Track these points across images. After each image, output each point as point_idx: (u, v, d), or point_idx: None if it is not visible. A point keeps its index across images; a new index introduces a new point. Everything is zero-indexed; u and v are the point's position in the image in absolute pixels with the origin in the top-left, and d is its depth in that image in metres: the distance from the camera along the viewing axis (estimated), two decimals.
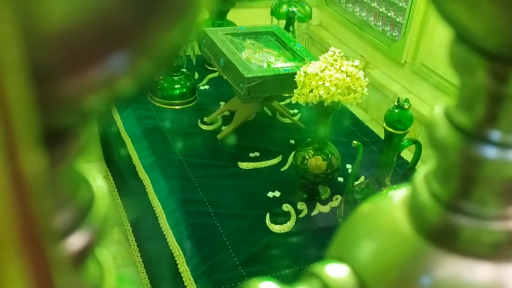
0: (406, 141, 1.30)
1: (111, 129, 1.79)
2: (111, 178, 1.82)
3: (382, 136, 1.41)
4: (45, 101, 0.10)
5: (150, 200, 1.43)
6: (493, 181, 0.20)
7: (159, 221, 1.36)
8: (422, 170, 0.22)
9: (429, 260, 0.20)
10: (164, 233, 1.33)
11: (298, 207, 1.41)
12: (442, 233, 0.20)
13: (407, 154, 1.59)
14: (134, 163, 1.56)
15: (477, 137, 0.19)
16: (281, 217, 1.37)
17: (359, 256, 0.21)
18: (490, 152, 0.19)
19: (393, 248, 0.21)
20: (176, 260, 1.27)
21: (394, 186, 0.23)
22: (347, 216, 0.25)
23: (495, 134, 0.19)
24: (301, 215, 1.39)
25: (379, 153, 1.57)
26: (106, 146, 1.89)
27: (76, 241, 0.14)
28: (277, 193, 1.45)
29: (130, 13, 0.10)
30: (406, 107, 1.27)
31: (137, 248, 1.57)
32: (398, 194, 0.22)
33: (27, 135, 0.09)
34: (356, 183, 1.37)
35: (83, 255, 0.14)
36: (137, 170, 1.53)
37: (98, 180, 0.15)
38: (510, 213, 0.21)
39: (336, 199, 1.46)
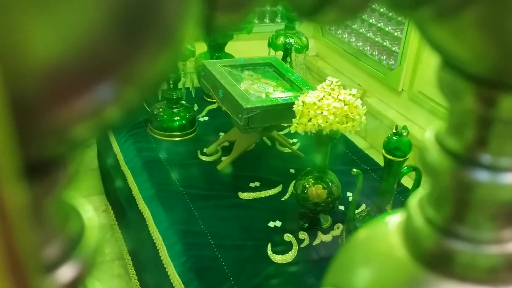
0: (405, 168, 1.30)
1: (111, 162, 1.80)
2: (112, 211, 1.81)
3: (382, 164, 1.41)
4: (32, 132, 0.10)
5: (150, 232, 1.42)
6: (486, 205, 0.20)
7: (160, 254, 1.35)
8: (416, 195, 0.22)
9: (425, 286, 0.20)
10: (165, 266, 1.32)
11: (299, 237, 1.40)
12: (437, 258, 0.20)
13: (407, 181, 1.59)
14: (134, 195, 1.56)
15: (468, 161, 0.19)
16: (283, 247, 1.36)
17: (356, 283, 0.21)
18: (482, 176, 0.19)
19: (389, 274, 0.21)
20: None
21: (389, 212, 0.23)
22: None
23: (486, 158, 0.19)
24: (302, 245, 1.38)
25: (379, 180, 1.57)
26: (106, 179, 1.89)
27: (66, 272, 0.14)
28: (278, 223, 1.44)
29: (115, 44, 0.10)
30: (404, 134, 1.27)
31: (138, 282, 1.55)
32: (393, 220, 0.22)
33: (9, 169, 0.09)
34: (357, 211, 1.36)
35: (74, 286, 0.14)
36: (137, 203, 1.53)
37: (89, 212, 0.15)
38: (505, 236, 0.21)
39: (338, 227, 1.45)
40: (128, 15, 0.10)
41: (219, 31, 0.13)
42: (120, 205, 1.70)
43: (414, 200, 0.22)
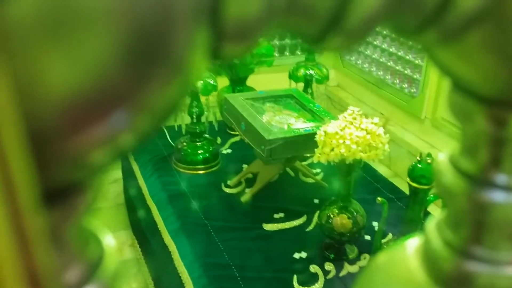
0: (432, 196, 1.28)
1: (136, 196, 1.81)
2: (138, 246, 1.82)
3: (407, 192, 1.39)
4: (51, 159, 0.11)
5: (176, 266, 1.42)
6: (503, 225, 0.20)
7: (185, 287, 1.35)
8: (434, 218, 0.22)
9: None
10: None
11: (325, 268, 1.38)
12: (457, 281, 0.20)
13: (434, 209, 1.56)
14: (159, 228, 1.56)
15: (483, 182, 0.19)
16: (309, 279, 1.34)
17: None
18: (497, 196, 0.19)
19: None
20: None
21: (408, 236, 0.23)
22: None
23: (501, 178, 0.19)
24: (329, 276, 1.36)
25: (405, 209, 1.55)
26: (132, 214, 1.90)
27: None
28: (303, 254, 1.42)
29: (126, 76, 0.11)
30: (429, 161, 1.26)
31: None
32: (412, 244, 0.22)
33: (29, 195, 0.09)
34: (383, 240, 1.34)
35: None
36: (163, 236, 1.53)
37: (108, 238, 0.16)
38: None
39: (364, 258, 1.43)
40: (138, 49, 0.11)
41: (226, 59, 0.13)
42: (146, 239, 1.71)
43: (432, 223, 0.22)
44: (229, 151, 1.94)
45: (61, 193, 0.12)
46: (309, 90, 1.97)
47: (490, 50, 0.15)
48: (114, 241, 0.16)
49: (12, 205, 0.09)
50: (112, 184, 2.18)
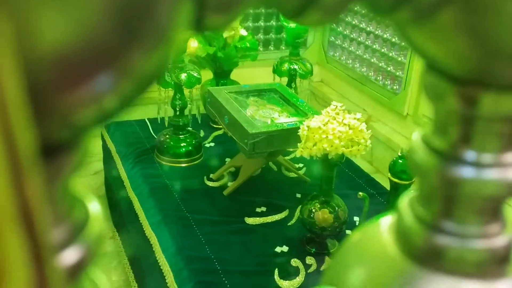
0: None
1: (118, 189, 1.80)
2: (118, 238, 1.81)
3: (388, 188, 1.41)
4: (42, 115, 0.11)
5: (157, 258, 1.42)
6: (472, 200, 0.21)
7: (167, 280, 1.35)
8: (407, 196, 0.23)
9: (416, 282, 0.21)
10: None
11: (307, 262, 1.39)
12: (428, 254, 0.21)
13: None
14: (141, 221, 1.56)
15: (453, 159, 0.20)
16: (290, 273, 1.35)
17: (350, 282, 0.22)
18: (466, 172, 0.20)
19: (382, 272, 0.21)
20: None
21: (382, 214, 0.24)
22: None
23: (470, 155, 0.20)
24: (310, 270, 1.37)
25: (386, 204, 1.57)
26: (114, 207, 1.90)
27: (70, 255, 0.15)
28: (285, 248, 1.44)
29: (113, 38, 0.12)
30: None
31: None
32: (386, 221, 0.23)
33: (29, 153, 0.10)
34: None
35: (77, 270, 0.15)
36: (144, 229, 1.53)
37: (94, 204, 0.16)
38: (491, 231, 0.22)
39: None
40: (125, 14, 0.11)
41: (209, 31, 0.14)
42: (127, 232, 1.71)
43: (404, 201, 0.23)
44: (212, 144, 1.94)
45: (48, 152, 0.13)
46: (293, 85, 1.97)
47: (461, 30, 0.16)
48: (99, 207, 0.16)
49: (13, 158, 0.09)
50: (93, 176, 2.16)
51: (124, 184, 1.74)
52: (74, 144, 0.14)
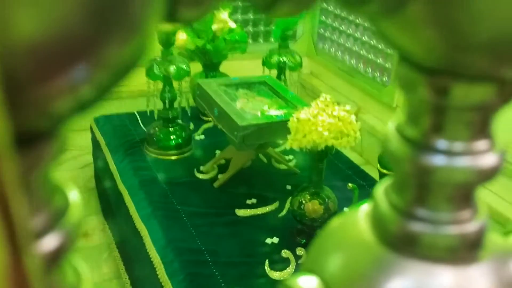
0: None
1: (108, 182, 1.80)
2: (109, 231, 1.81)
3: (378, 179, 1.42)
4: (18, 105, 0.12)
5: (148, 250, 1.42)
6: (444, 187, 0.21)
7: (158, 272, 1.35)
8: (382, 184, 0.23)
9: (391, 267, 0.21)
10: (162, 284, 1.32)
11: (297, 253, 1.40)
12: (402, 241, 0.22)
13: None
14: (131, 214, 1.56)
15: (425, 147, 0.21)
16: (281, 264, 1.36)
17: (328, 268, 0.22)
18: (438, 160, 0.21)
19: (358, 258, 0.22)
20: None
21: (362, 202, 0.25)
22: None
23: (442, 143, 0.21)
24: (300, 261, 1.38)
25: None
26: (104, 199, 1.89)
27: (50, 241, 0.15)
28: (275, 239, 1.44)
29: (87, 30, 0.12)
30: None
31: None
32: (363, 208, 0.24)
33: (4, 141, 0.10)
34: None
35: (57, 256, 0.15)
36: (135, 221, 1.53)
37: (73, 192, 0.17)
38: (463, 217, 0.22)
39: None
40: (99, 6, 0.12)
41: (182, 23, 0.14)
42: (118, 224, 1.71)
43: (380, 189, 0.23)
44: (202, 137, 1.94)
45: (27, 141, 0.13)
46: (283, 77, 1.98)
47: (429, 23, 0.17)
48: (79, 196, 0.17)
49: None
50: (82, 169, 2.16)
51: (114, 176, 1.73)
52: (53, 133, 0.15)
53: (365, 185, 1.72)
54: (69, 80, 0.12)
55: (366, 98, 2.53)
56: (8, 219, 0.10)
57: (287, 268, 1.35)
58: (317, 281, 0.22)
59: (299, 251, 1.41)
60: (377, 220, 0.23)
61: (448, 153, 0.21)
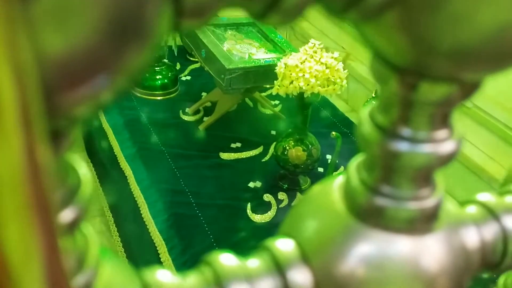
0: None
1: (92, 121, 1.80)
2: (93, 169, 1.83)
3: None
4: (48, 109, 0.14)
5: (131, 190, 1.45)
6: (407, 169, 0.25)
7: (141, 211, 1.39)
8: (355, 160, 0.26)
9: (358, 235, 0.25)
10: (146, 223, 1.36)
11: (279, 197, 1.44)
12: (368, 212, 0.25)
13: None
14: (115, 153, 1.58)
15: (393, 134, 0.24)
16: (262, 207, 1.40)
17: (303, 232, 0.26)
18: (403, 146, 0.24)
19: (330, 225, 0.25)
20: (158, 250, 1.29)
21: (340, 173, 0.28)
22: None
23: (407, 132, 0.24)
24: (281, 205, 1.42)
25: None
26: (88, 137, 1.90)
27: (68, 214, 0.18)
28: (258, 183, 1.48)
29: (108, 47, 0.14)
30: None
31: (119, 238, 1.59)
32: (338, 180, 0.27)
33: (42, 130, 0.12)
34: (335, 173, 1.41)
35: (72, 227, 0.18)
36: (119, 161, 1.55)
37: (84, 169, 0.19)
38: (421, 194, 0.26)
39: None
40: (117, 23, 0.14)
41: (186, 31, 0.16)
42: (102, 163, 1.73)
43: (353, 164, 0.26)
44: (189, 78, 1.94)
45: (51, 135, 0.15)
46: None
47: (401, 30, 0.19)
48: (88, 172, 0.19)
49: (29, 136, 0.12)
50: None
51: (98, 115, 1.74)
52: (72, 128, 0.17)
53: (349, 133, 1.75)
54: (91, 89, 0.15)
55: (356, 45, 2.52)
56: (43, 193, 0.13)
57: (268, 212, 1.39)
58: (294, 243, 0.25)
59: (281, 195, 1.45)
60: (348, 193, 0.26)
61: (412, 140, 0.24)
